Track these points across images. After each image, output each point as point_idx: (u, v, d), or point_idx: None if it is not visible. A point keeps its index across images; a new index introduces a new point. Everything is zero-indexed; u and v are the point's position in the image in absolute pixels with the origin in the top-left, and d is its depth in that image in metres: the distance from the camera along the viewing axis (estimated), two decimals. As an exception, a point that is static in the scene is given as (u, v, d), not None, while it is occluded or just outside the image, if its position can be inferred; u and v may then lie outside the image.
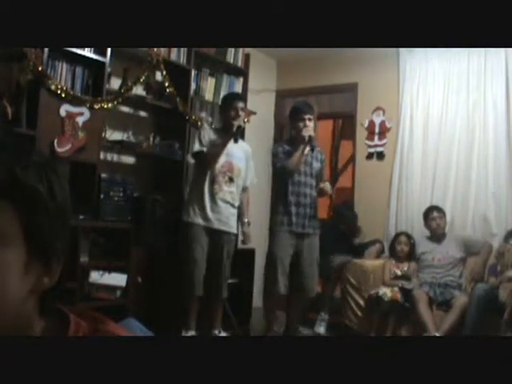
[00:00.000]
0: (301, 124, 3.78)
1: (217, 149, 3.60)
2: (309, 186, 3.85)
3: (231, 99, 3.81)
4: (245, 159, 3.84)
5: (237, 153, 3.74)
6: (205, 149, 3.64)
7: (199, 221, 3.60)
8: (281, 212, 3.81)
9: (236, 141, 3.61)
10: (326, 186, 3.88)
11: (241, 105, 3.76)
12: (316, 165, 3.92)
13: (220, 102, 4.03)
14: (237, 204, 3.79)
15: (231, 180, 3.71)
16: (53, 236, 0.65)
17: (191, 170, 4.09)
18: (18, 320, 0.62)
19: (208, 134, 3.70)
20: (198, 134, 3.77)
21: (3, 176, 0.59)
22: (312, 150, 3.80)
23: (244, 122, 3.90)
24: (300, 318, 4.12)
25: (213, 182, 3.64)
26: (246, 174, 3.86)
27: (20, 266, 0.62)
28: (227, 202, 3.69)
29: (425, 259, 4.23)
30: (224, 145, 3.59)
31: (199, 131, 3.81)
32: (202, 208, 3.61)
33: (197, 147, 3.67)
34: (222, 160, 3.66)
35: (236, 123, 3.63)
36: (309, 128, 3.76)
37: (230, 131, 3.61)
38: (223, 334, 3.79)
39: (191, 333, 3.61)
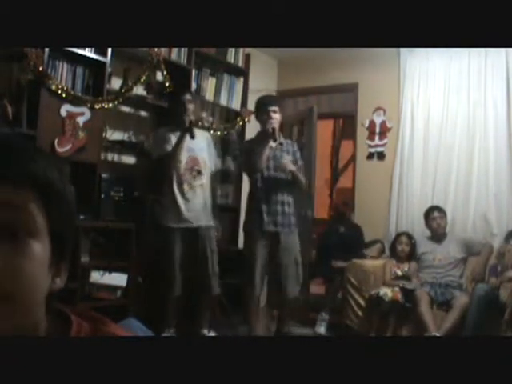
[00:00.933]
0: (265, 117, 3.63)
1: (174, 149, 3.55)
2: (279, 181, 3.65)
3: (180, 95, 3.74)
4: (206, 147, 3.77)
5: (197, 145, 3.67)
6: (162, 152, 3.59)
7: (174, 224, 3.58)
8: (252, 211, 3.66)
9: (192, 137, 3.56)
10: (284, 162, 3.63)
11: (189, 97, 3.71)
12: (287, 158, 3.71)
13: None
14: (209, 193, 3.73)
15: (199, 173, 3.66)
16: (67, 235, 0.65)
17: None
18: (34, 319, 0.62)
19: (159, 136, 3.67)
20: (151, 140, 3.73)
21: (31, 171, 0.59)
22: (276, 142, 3.65)
23: (194, 119, 3.76)
24: (288, 318, 3.94)
25: (180, 182, 3.60)
26: (211, 162, 3.80)
27: (46, 264, 0.61)
28: (199, 196, 3.64)
29: (425, 259, 4.23)
30: (179, 143, 3.55)
31: (151, 138, 3.77)
32: (176, 210, 3.58)
33: (155, 152, 3.64)
34: (184, 157, 3.61)
35: (187, 119, 3.58)
36: (273, 121, 3.60)
37: (185, 128, 3.55)
38: (212, 334, 3.77)
39: (171, 332, 3.59)
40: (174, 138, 3.61)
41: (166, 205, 3.63)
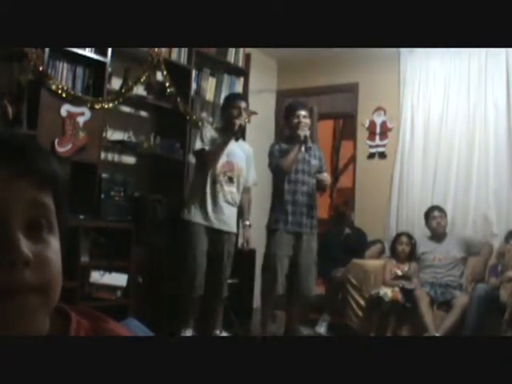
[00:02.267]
0: (295, 121, 3.76)
1: (218, 148, 3.59)
2: (306, 184, 3.81)
3: (233, 98, 3.81)
4: (245, 159, 3.82)
5: (238, 153, 3.73)
6: (206, 147, 3.61)
7: (200, 220, 3.59)
8: (278, 211, 3.78)
9: (237, 139, 3.60)
10: (324, 176, 3.84)
11: (243, 104, 3.74)
12: (314, 162, 3.88)
13: (222, 102, 4.02)
14: (237, 204, 3.77)
15: (231, 180, 3.69)
16: (65, 232, 0.67)
17: (192, 168, 4.08)
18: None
19: (209, 133, 3.69)
20: (199, 133, 3.74)
21: (50, 170, 0.62)
22: (307, 149, 3.79)
23: (245, 122, 3.88)
24: (299, 317, 4.09)
25: (214, 181, 3.62)
26: (248, 175, 3.84)
27: (60, 258, 0.63)
28: (228, 202, 3.67)
29: (425, 259, 4.24)
30: (225, 144, 3.58)
31: (200, 130, 3.79)
32: (204, 207, 3.59)
33: (198, 145, 3.64)
34: (222, 160, 3.64)
35: (238, 122, 3.61)
36: (304, 126, 3.74)
37: (231, 130, 3.59)
38: (224, 334, 3.78)
39: (189, 332, 3.60)
40: (219, 138, 3.63)
41: (195, 202, 3.63)
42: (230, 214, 3.70)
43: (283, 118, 4.02)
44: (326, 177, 3.86)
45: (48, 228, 0.61)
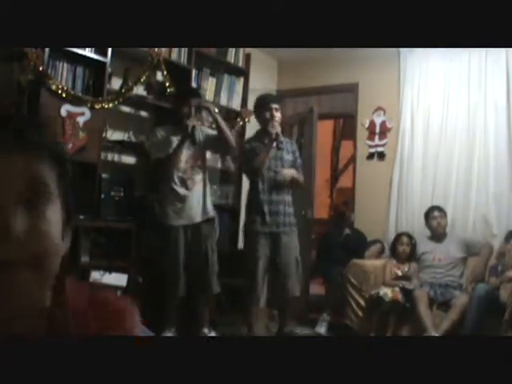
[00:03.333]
0: (267, 114, 3.60)
1: (176, 152, 3.57)
2: (280, 181, 3.64)
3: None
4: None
5: (196, 144, 3.70)
6: (162, 153, 3.57)
7: (177, 222, 3.59)
8: (253, 212, 3.64)
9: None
10: (284, 172, 3.64)
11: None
12: (287, 157, 3.71)
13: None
14: (208, 188, 3.75)
15: (199, 168, 3.68)
16: (71, 198, 0.68)
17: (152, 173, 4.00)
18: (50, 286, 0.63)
19: (159, 138, 3.66)
20: (150, 141, 3.71)
21: (44, 139, 0.62)
22: (279, 148, 3.61)
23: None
24: (289, 318, 3.95)
25: (182, 179, 3.60)
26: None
27: (60, 228, 0.63)
28: (200, 192, 3.66)
29: (425, 259, 4.24)
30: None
31: (150, 138, 3.75)
32: (178, 207, 3.59)
33: (155, 154, 3.61)
34: (184, 155, 3.61)
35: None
36: (275, 122, 3.59)
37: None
38: (212, 333, 3.77)
39: (172, 332, 3.59)
40: (175, 141, 3.60)
41: (167, 204, 3.62)
42: (205, 201, 3.69)
43: (254, 111, 3.83)
44: (285, 173, 3.64)
45: (45, 199, 0.60)
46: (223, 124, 3.64)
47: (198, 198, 3.66)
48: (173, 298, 3.61)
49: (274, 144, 3.56)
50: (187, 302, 3.71)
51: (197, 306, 3.75)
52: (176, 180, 3.60)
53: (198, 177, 3.67)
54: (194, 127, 3.61)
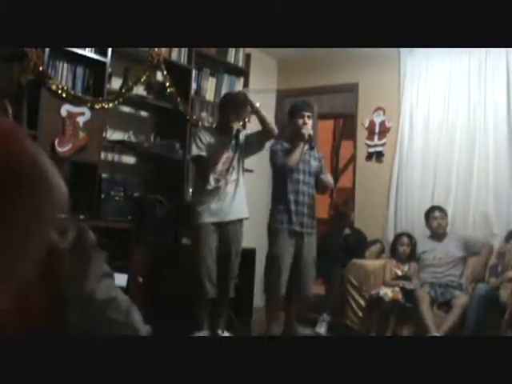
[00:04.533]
0: (300, 121, 3.77)
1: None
2: (307, 184, 3.81)
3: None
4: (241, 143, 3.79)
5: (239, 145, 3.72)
6: (203, 153, 3.60)
7: (208, 219, 3.58)
8: (280, 210, 3.76)
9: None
10: (327, 176, 3.91)
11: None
12: (314, 163, 3.88)
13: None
14: (242, 188, 3.77)
15: (233, 168, 3.69)
16: None
17: (192, 171, 4.09)
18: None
19: (204, 137, 3.67)
20: (194, 138, 3.72)
21: None
22: (311, 148, 3.79)
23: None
24: (299, 317, 4.07)
25: (217, 179, 3.62)
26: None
27: None
28: (234, 192, 3.67)
29: (425, 258, 4.23)
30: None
31: (196, 135, 3.76)
32: (213, 205, 3.59)
33: (195, 151, 3.63)
34: (223, 159, 3.64)
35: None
36: (308, 126, 3.77)
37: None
38: (226, 334, 3.77)
39: (204, 333, 3.58)
40: (217, 143, 3.63)
41: (202, 202, 3.62)
42: (240, 201, 3.72)
43: (288, 117, 4.00)
44: (328, 177, 3.93)
45: None
46: (264, 113, 3.73)
47: (230, 198, 3.66)
48: (203, 298, 3.56)
49: (307, 146, 3.73)
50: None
51: (216, 307, 3.72)
52: (212, 181, 3.61)
53: (232, 177, 3.68)
54: (238, 130, 3.69)
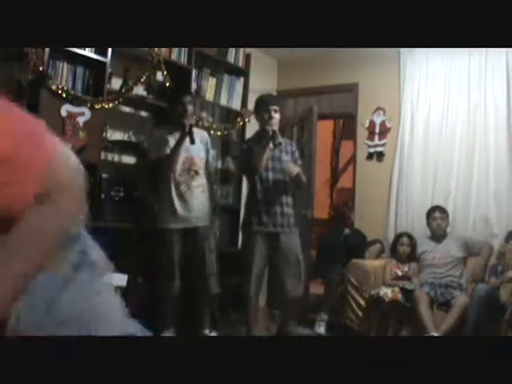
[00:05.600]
0: (266, 115, 3.58)
1: (175, 150, 3.56)
2: (279, 182, 3.62)
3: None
4: (204, 147, 3.75)
5: (194, 145, 3.64)
6: (158, 154, 3.58)
7: (172, 225, 3.58)
8: (251, 212, 3.62)
9: (193, 142, 3.56)
10: (287, 166, 3.59)
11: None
12: (286, 158, 3.67)
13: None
14: (207, 194, 3.72)
15: (197, 173, 3.65)
16: None
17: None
18: None
19: (157, 138, 3.66)
20: (149, 141, 3.71)
21: None
22: (275, 145, 3.58)
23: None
24: (290, 318, 3.90)
25: (178, 182, 3.59)
26: (209, 160, 3.80)
27: None
28: (197, 197, 3.64)
29: (425, 258, 4.23)
30: (180, 144, 3.56)
31: (150, 138, 3.75)
32: (174, 210, 3.58)
33: (153, 154, 3.63)
34: (181, 158, 3.60)
35: (187, 121, 3.57)
36: (273, 121, 3.57)
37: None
38: (213, 334, 3.76)
39: (171, 331, 3.60)
40: (172, 140, 3.59)
41: (163, 206, 3.63)
42: (201, 208, 3.67)
43: (254, 113, 3.82)
44: (288, 167, 3.59)
45: None
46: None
47: (196, 203, 3.64)
48: (167, 297, 3.60)
49: (271, 143, 3.54)
50: (188, 303, 3.71)
51: (196, 306, 3.74)
52: (172, 183, 3.59)
53: (196, 182, 3.65)
54: (191, 126, 3.58)
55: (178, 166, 3.59)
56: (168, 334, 3.58)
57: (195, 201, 3.63)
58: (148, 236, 3.81)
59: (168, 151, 3.57)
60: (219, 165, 3.91)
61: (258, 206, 3.58)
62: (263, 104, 3.65)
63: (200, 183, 3.67)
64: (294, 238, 3.68)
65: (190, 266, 3.64)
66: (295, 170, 3.61)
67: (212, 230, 3.77)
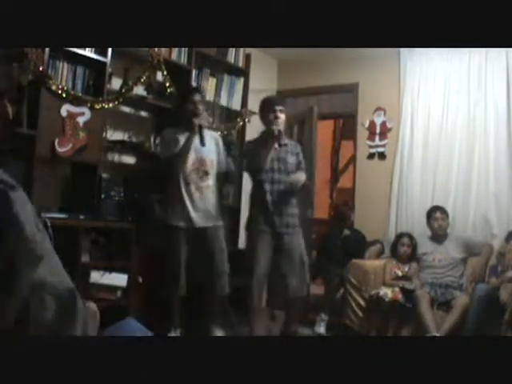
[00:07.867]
0: (271, 116, 3.59)
1: (184, 148, 3.56)
2: (283, 183, 3.60)
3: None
4: (215, 148, 3.75)
5: (205, 145, 3.63)
6: (168, 153, 3.58)
7: (181, 223, 3.57)
8: (255, 212, 3.63)
9: (203, 144, 3.55)
10: (293, 178, 3.59)
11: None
12: (291, 159, 3.69)
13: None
14: (216, 194, 3.73)
15: (206, 173, 3.65)
16: None
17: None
18: None
19: (167, 137, 3.65)
20: (159, 141, 3.69)
21: None
22: (280, 146, 3.60)
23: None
24: (295, 318, 3.89)
25: (187, 183, 3.59)
26: (219, 161, 3.79)
27: None
28: (206, 197, 3.64)
29: (426, 259, 4.24)
30: (188, 144, 3.56)
31: (160, 138, 3.74)
32: (183, 210, 3.57)
33: (163, 153, 3.63)
34: (191, 158, 3.60)
35: (197, 121, 3.56)
36: (279, 121, 3.59)
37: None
38: (220, 333, 3.76)
39: (177, 332, 3.59)
40: (182, 140, 3.58)
41: (173, 205, 3.61)
42: (211, 208, 3.66)
43: (259, 113, 3.82)
44: (297, 178, 3.59)
45: None
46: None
47: (205, 203, 3.63)
48: (173, 296, 3.60)
49: (276, 143, 3.56)
50: (196, 303, 3.70)
51: (203, 306, 3.73)
52: (182, 182, 3.59)
53: (204, 183, 3.64)
54: (200, 127, 3.57)
55: (188, 166, 3.59)
56: (174, 333, 3.57)
57: (204, 201, 3.63)
58: (152, 235, 3.81)
59: (178, 151, 3.57)
60: (227, 166, 3.89)
61: (262, 205, 3.59)
62: (269, 104, 3.68)
63: (209, 184, 3.66)
64: (298, 239, 3.68)
65: (199, 267, 3.62)
66: (302, 178, 3.62)
67: (222, 230, 3.75)
